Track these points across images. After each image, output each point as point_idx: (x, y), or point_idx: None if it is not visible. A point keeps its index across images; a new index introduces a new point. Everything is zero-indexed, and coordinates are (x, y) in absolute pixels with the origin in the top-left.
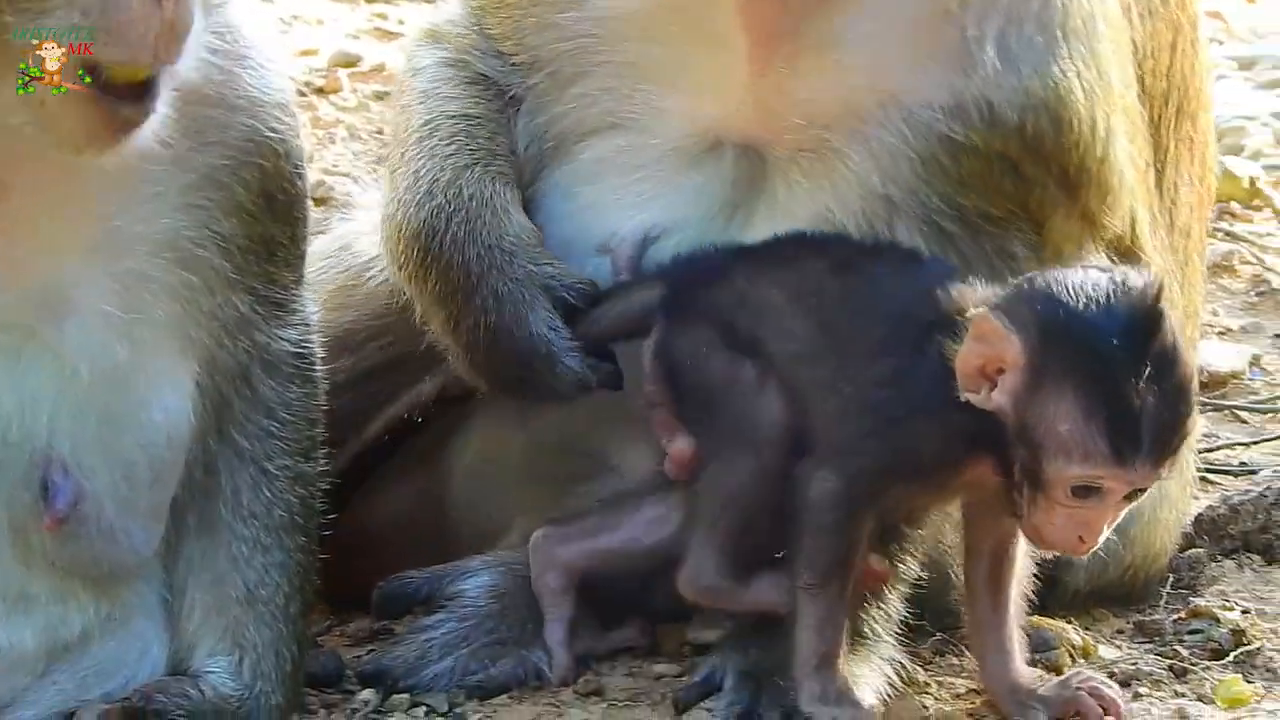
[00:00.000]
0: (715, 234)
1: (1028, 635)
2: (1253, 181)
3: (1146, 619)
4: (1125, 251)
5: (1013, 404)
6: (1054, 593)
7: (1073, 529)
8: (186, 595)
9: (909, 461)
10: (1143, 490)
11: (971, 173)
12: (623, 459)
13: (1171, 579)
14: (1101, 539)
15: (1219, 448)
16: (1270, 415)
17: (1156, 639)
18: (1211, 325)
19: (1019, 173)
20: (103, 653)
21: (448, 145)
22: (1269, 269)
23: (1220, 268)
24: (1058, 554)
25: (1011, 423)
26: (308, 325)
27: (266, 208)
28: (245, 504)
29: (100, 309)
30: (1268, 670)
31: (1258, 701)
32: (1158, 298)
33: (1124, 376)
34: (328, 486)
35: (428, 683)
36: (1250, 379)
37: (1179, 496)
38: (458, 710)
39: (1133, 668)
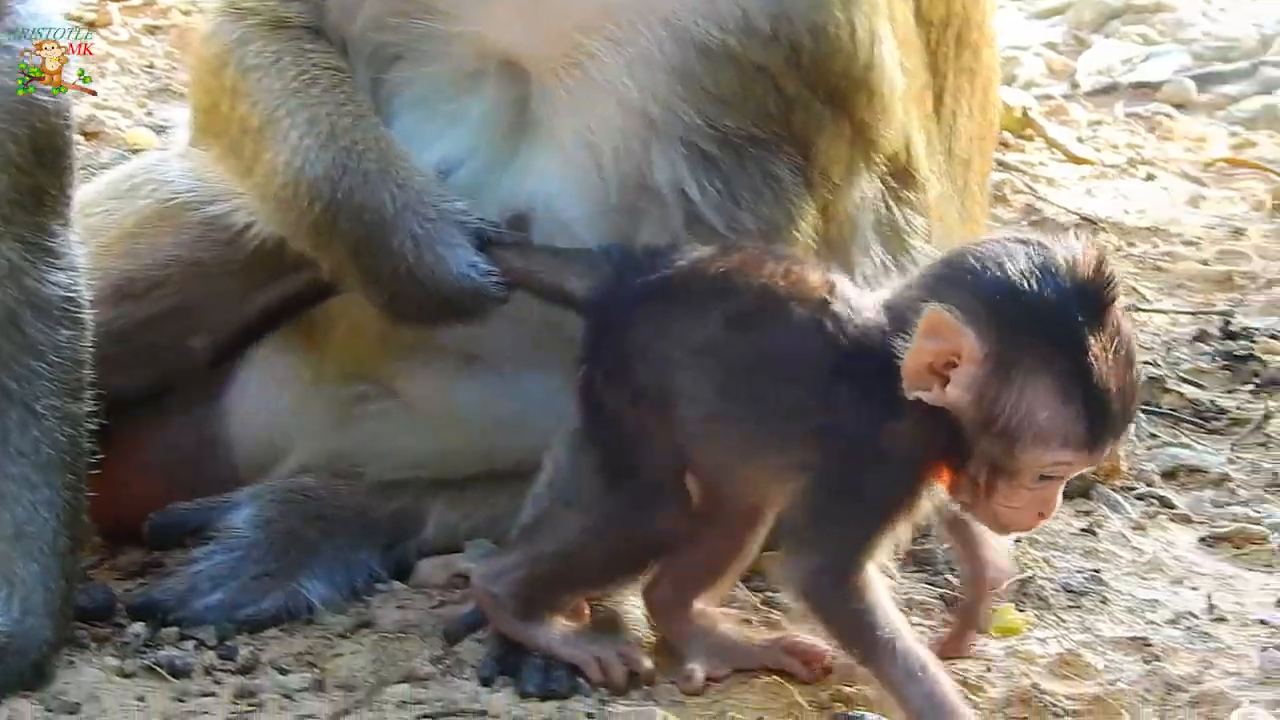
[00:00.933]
0: (503, 163)
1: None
2: (1025, 111)
3: (918, 548)
4: (900, 173)
5: (974, 397)
6: None
7: (1034, 508)
8: None
9: (890, 502)
10: None
11: (732, 88)
12: (406, 386)
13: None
14: (1056, 509)
15: None
16: None
17: (928, 568)
18: None
19: (780, 89)
20: None
21: (335, 93)
22: (1041, 198)
23: (993, 198)
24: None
25: (972, 417)
26: (75, 269)
27: (36, 162)
28: (13, 443)
29: None
30: (1039, 599)
31: (1029, 630)
32: (1101, 263)
33: (1092, 357)
34: (96, 426)
35: (198, 615)
36: None
37: None
38: (228, 643)
39: (904, 597)
